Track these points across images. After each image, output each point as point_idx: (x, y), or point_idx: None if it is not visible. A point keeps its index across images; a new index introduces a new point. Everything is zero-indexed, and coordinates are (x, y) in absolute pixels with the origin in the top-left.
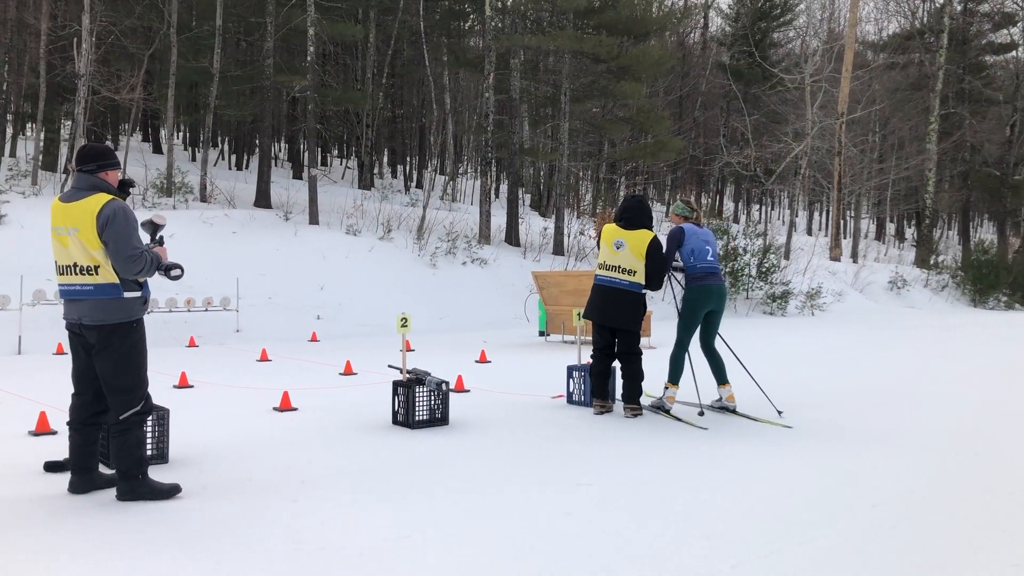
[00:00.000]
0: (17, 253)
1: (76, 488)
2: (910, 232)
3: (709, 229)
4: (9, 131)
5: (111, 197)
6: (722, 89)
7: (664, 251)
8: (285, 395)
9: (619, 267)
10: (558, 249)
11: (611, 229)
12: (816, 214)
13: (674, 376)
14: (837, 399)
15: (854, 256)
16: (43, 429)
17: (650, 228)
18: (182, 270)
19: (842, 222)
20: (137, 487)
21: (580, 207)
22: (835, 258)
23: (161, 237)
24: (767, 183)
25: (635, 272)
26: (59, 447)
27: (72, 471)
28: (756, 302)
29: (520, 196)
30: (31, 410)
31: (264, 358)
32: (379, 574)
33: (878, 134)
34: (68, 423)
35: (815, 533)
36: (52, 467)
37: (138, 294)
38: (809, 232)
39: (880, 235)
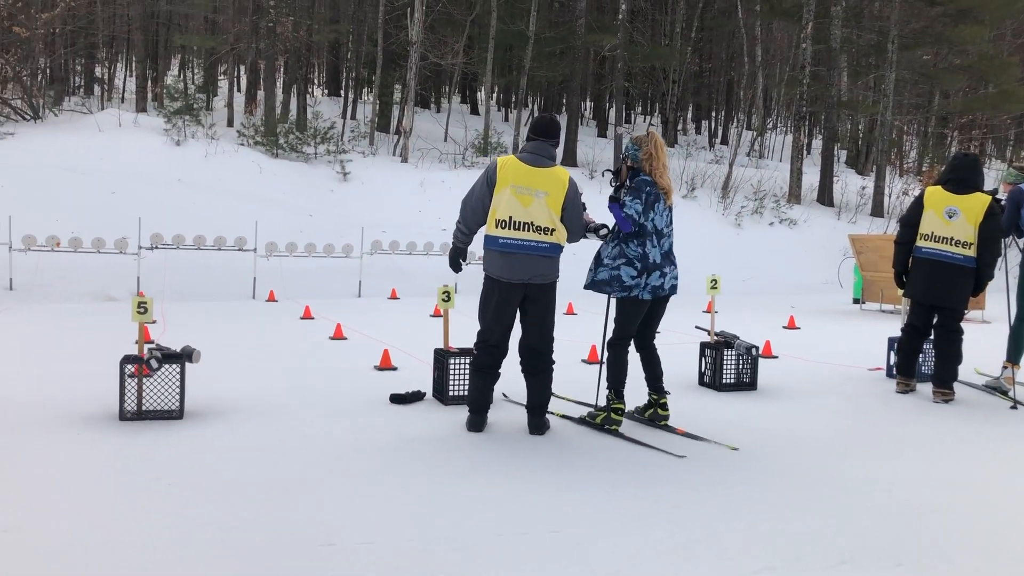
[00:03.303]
0: (358, 207)
1: (478, 427)
2: None
3: None
4: (351, 95)
5: (567, 171)
6: None
7: (1004, 216)
8: (592, 349)
9: (952, 239)
10: (877, 210)
11: (939, 194)
12: None
13: (1015, 355)
14: None
15: None
16: (386, 365)
17: (983, 191)
18: (607, 228)
19: None
20: (546, 421)
21: (904, 165)
22: None
23: (584, 204)
24: None
25: (971, 245)
26: (400, 382)
27: (476, 412)
28: None
29: (835, 152)
30: (373, 348)
31: (570, 312)
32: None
33: None
34: (483, 368)
35: None
36: (397, 399)
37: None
38: None
39: None
